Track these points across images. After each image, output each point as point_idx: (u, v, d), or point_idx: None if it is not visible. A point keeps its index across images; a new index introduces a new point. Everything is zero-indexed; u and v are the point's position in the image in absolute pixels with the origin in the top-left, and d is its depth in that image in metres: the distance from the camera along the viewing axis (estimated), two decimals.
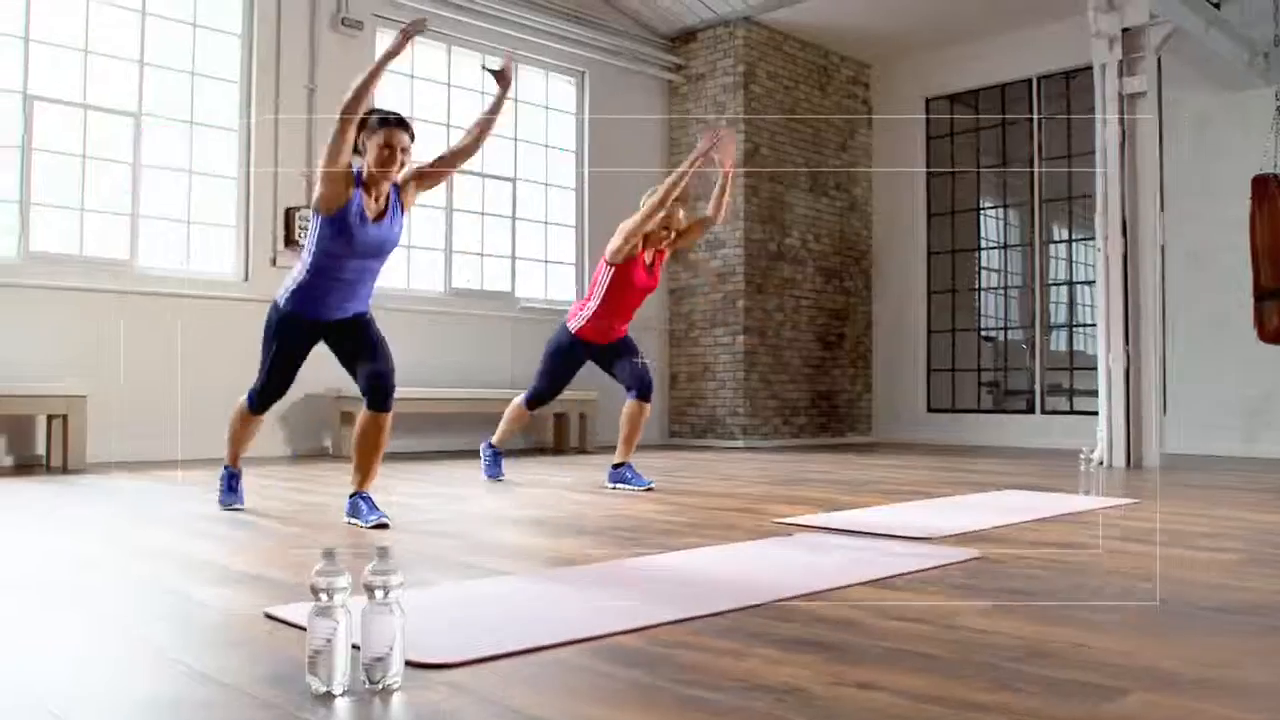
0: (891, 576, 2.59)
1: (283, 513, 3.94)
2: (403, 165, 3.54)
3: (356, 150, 3.53)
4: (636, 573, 2.68)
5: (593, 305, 4.98)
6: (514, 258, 8.67)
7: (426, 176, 3.77)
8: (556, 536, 3.39)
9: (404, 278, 7.98)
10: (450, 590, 2.40)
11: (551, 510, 4.11)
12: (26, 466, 6.01)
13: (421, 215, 8.09)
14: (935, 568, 2.73)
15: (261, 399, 3.83)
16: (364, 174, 3.53)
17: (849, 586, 2.47)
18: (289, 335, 3.69)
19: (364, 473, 3.65)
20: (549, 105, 9.00)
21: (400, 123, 3.53)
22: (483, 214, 8.48)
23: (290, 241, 7.18)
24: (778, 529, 3.49)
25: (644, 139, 9.40)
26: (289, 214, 7.19)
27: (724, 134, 4.94)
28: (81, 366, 6.20)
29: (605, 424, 8.68)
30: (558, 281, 9.03)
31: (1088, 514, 4.02)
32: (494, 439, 5.39)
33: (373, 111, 3.56)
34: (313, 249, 3.58)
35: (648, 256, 5.02)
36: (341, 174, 3.46)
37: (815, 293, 9.72)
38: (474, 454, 7.42)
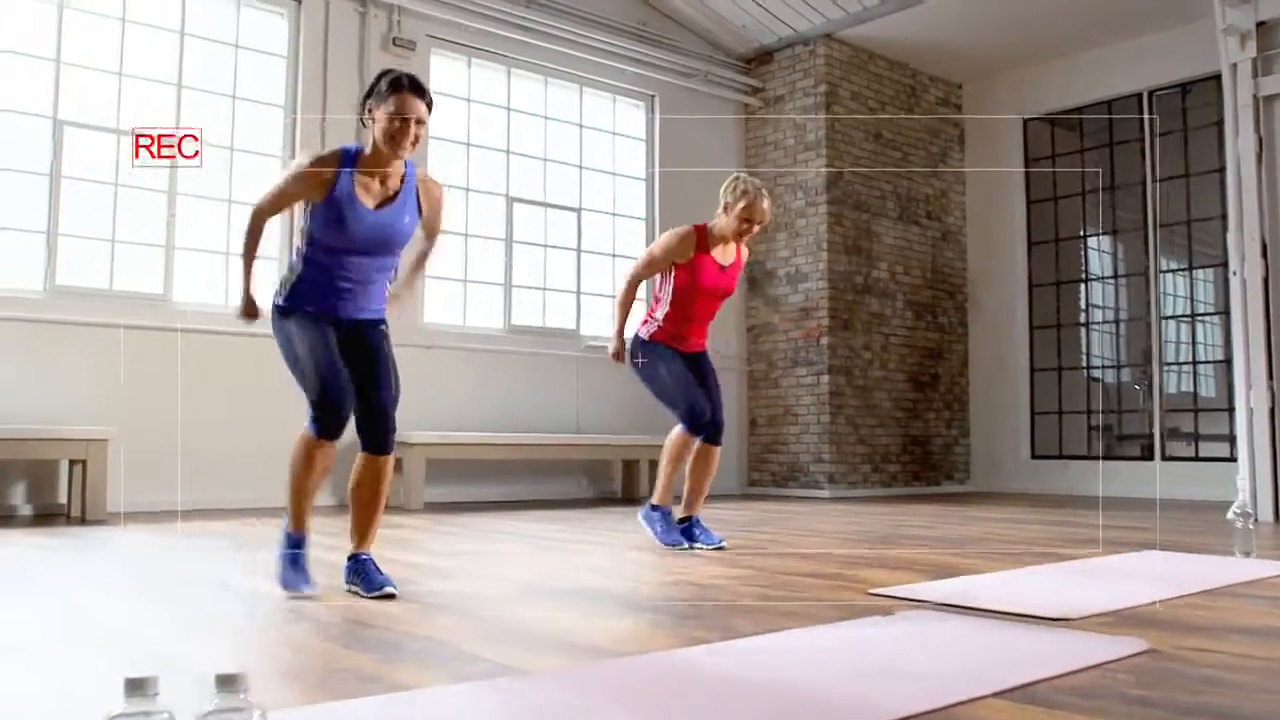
0: (1036, 683, 1.88)
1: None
2: (417, 139, 2.96)
3: (361, 123, 3.00)
4: (685, 674, 2.01)
5: (662, 312, 4.30)
6: (579, 292, 8.09)
7: (432, 219, 3.21)
8: (597, 614, 2.73)
9: (460, 314, 7.45)
10: (406, 708, 1.75)
11: (601, 576, 3.46)
12: (46, 516, 5.55)
13: (479, 247, 7.57)
14: (1093, 667, 2.01)
15: (324, 415, 2.89)
16: (366, 150, 2.97)
17: (980, 700, 1.77)
18: (306, 327, 2.95)
19: (362, 530, 3.04)
20: (616, 131, 8.45)
21: (415, 87, 2.95)
22: (545, 246, 7.93)
23: None
24: (873, 603, 2.79)
25: (718, 165, 8.77)
26: None
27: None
28: (108, 407, 5.74)
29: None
30: (636, 323, 8.39)
31: (1262, 583, 3.23)
32: (655, 497, 4.32)
33: (383, 74, 3.00)
34: (305, 240, 3.00)
35: (721, 253, 4.34)
36: (303, 180, 2.92)
37: (906, 329, 8.96)
38: (530, 505, 6.81)
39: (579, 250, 8.11)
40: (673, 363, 4.25)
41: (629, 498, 7.65)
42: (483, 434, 6.98)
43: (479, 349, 7.38)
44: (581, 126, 8.23)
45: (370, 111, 2.97)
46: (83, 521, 5.25)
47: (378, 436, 3.00)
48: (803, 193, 8.57)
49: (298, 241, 3.05)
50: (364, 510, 3.04)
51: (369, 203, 2.95)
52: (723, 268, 4.31)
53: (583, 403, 7.83)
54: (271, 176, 6.45)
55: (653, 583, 3.24)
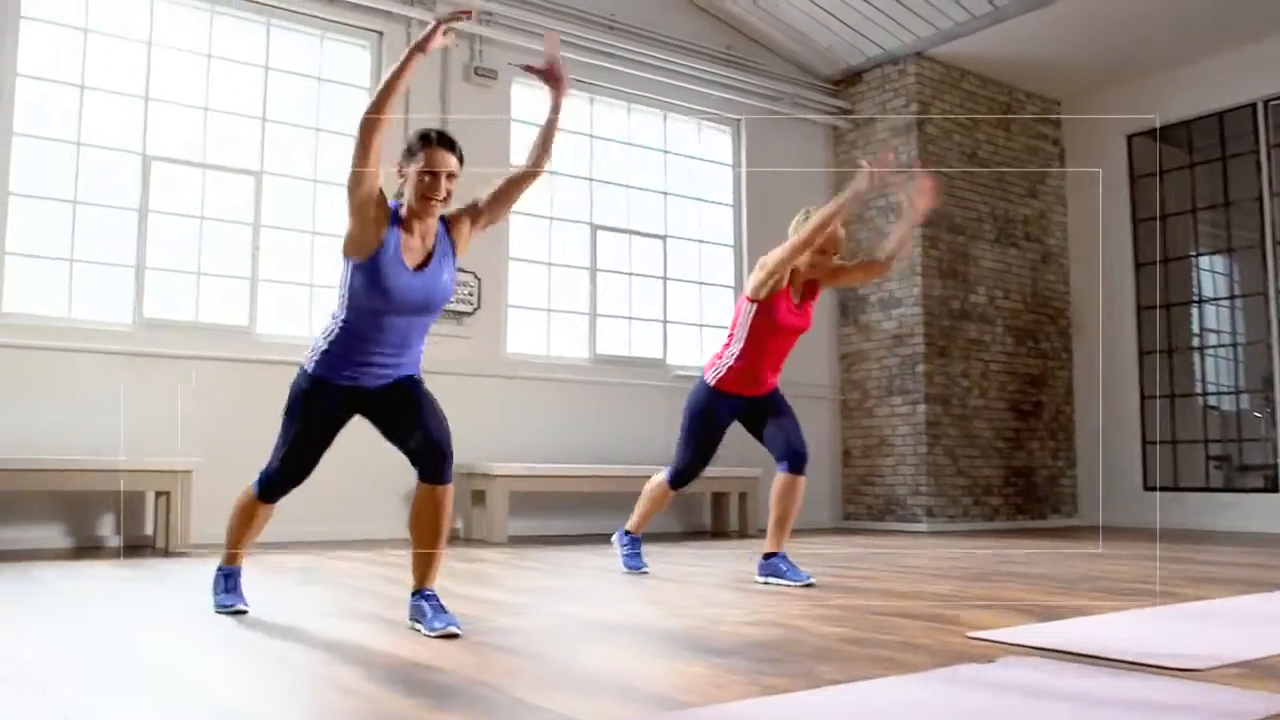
0: None
1: (357, 613, 3.23)
2: (449, 195, 2.86)
3: (395, 193, 2.90)
4: None
5: (734, 350, 4.14)
6: (665, 321, 7.94)
7: (485, 210, 3.06)
8: (667, 657, 2.53)
9: (544, 343, 7.35)
10: None
11: (678, 615, 3.26)
12: (135, 547, 5.55)
13: (563, 275, 7.47)
14: None
15: (274, 485, 3.09)
16: (403, 210, 2.87)
17: None
18: (317, 407, 2.96)
19: (424, 565, 2.90)
20: (701, 157, 8.30)
21: (445, 140, 2.86)
22: (630, 274, 7.80)
23: None
24: (973, 649, 2.54)
25: (807, 190, 8.53)
26: None
27: (924, 183, 4.24)
28: (194, 439, 5.76)
29: (763, 502, 7.79)
30: (714, 346, 8.21)
31: None
32: (630, 524, 4.58)
33: (416, 132, 2.89)
34: (344, 302, 2.91)
35: (796, 291, 4.16)
36: (375, 204, 2.79)
37: (1006, 355, 8.60)
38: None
39: (665, 278, 7.97)
40: (709, 421, 4.23)
41: (719, 531, 7.43)
42: (567, 466, 6.85)
43: (563, 379, 7.27)
44: (666, 153, 8.10)
45: (401, 169, 2.88)
46: (166, 553, 5.24)
47: (436, 466, 2.86)
48: (895, 216, 8.30)
49: (334, 307, 2.96)
50: (424, 544, 2.90)
51: (410, 262, 2.86)
52: (798, 304, 4.14)
53: (670, 434, 7.55)
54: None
55: (731, 623, 3.03)
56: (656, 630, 2.93)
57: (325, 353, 2.93)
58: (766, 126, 8.39)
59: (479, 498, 6.46)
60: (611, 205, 7.76)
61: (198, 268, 6.08)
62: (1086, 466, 8.94)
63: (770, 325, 4.08)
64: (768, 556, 4.08)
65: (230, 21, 6.37)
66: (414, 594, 2.88)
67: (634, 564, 4.50)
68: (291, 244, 6.39)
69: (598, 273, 7.63)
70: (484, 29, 7.07)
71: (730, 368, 4.13)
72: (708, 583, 4.15)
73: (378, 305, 2.84)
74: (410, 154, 2.85)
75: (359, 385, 2.94)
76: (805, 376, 8.27)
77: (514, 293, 7.21)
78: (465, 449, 6.86)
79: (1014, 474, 8.54)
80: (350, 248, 2.82)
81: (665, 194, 8.04)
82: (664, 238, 8.00)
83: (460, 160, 2.88)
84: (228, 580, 3.21)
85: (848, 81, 8.74)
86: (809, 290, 4.21)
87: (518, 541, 6.32)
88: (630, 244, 7.82)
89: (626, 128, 7.91)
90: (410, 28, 6.83)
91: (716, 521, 7.55)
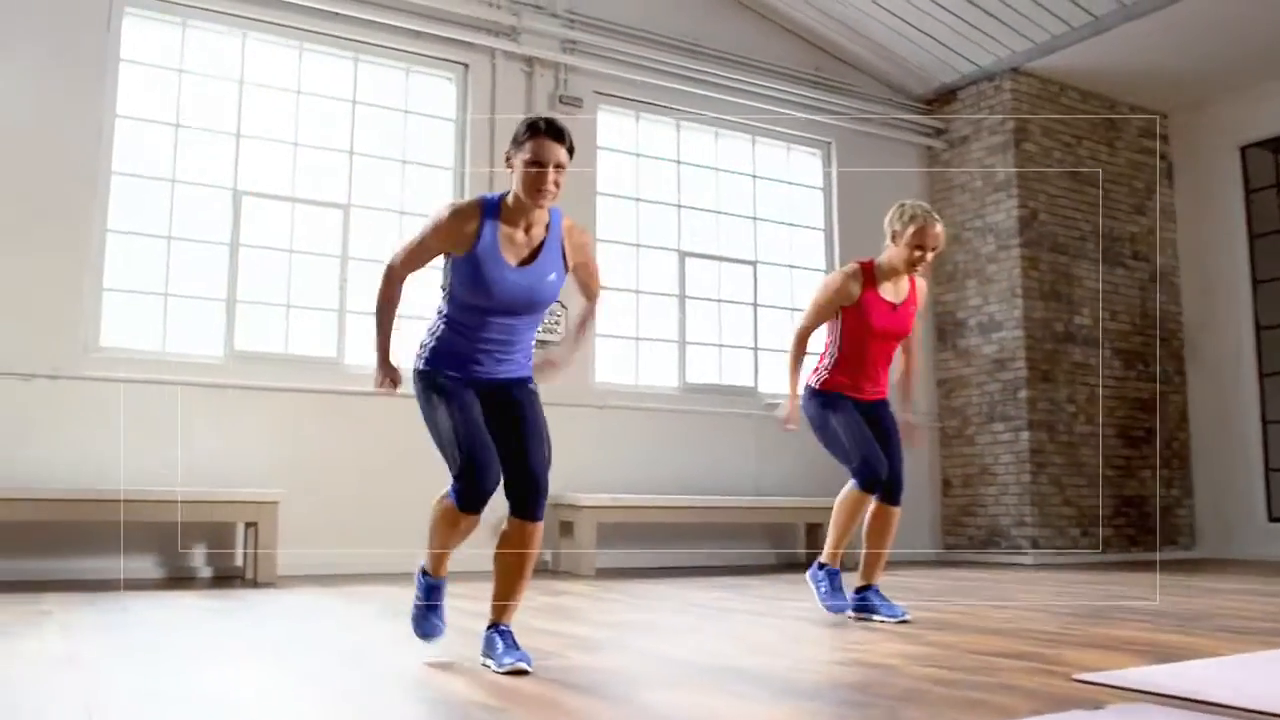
0: None
1: (431, 647, 3.15)
2: (558, 185, 2.75)
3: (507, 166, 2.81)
4: None
5: (831, 359, 3.94)
6: (756, 348, 7.79)
7: (584, 270, 2.97)
8: (745, 697, 2.38)
9: (633, 372, 7.26)
10: None
11: (762, 653, 3.10)
12: (225, 578, 5.60)
13: (651, 303, 7.38)
14: None
15: (467, 488, 2.70)
16: (508, 200, 2.77)
17: None
18: (447, 390, 2.77)
19: (504, 599, 2.80)
20: (791, 180, 8.16)
21: (554, 131, 2.72)
22: (720, 301, 7.67)
23: None
24: (1079, 693, 2.34)
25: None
26: None
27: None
28: (283, 470, 5.79)
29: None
30: (808, 374, 8.03)
31: None
32: (824, 554, 3.97)
33: (525, 120, 2.81)
34: (446, 298, 2.84)
35: (892, 289, 3.95)
36: (443, 234, 2.76)
37: (1114, 380, 8.22)
38: (708, 571, 6.49)
39: (755, 304, 7.82)
40: (845, 412, 3.87)
41: (802, 563, 7.20)
42: (657, 496, 6.72)
43: (652, 408, 7.16)
44: (755, 177, 7.98)
45: (509, 160, 2.79)
46: (254, 584, 5.26)
47: (528, 502, 2.75)
48: (994, 236, 8.03)
49: (439, 301, 2.89)
50: (507, 577, 2.80)
51: (512, 258, 2.75)
52: (894, 306, 3.92)
53: (763, 463, 7.48)
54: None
55: (818, 661, 2.87)
56: (737, 669, 2.79)
57: (433, 350, 2.82)
58: (858, 148, 8.20)
59: (567, 529, 6.37)
60: (700, 231, 7.66)
61: (287, 300, 6.15)
62: (1205, 496, 8.48)
63: (864, 329, 3.86)
64: (860, 590, 3.89)
65: (318, 58, 6.47)
66: (490, 627, 2.78)
67: (836, 602, 3.85)
68: (379, 276, 6.41)
69: (686, 300, 7.52)
70: (568, 57, 7.05)
71: (831, 374, 3.93)
72: (798, 618, 3.97)
73: (478, 301, 2.74)
74: (517, 144, 2.74)
75: (475, 378, 2.81)
76: (890, 362, 8.03)
77: (602, 321, 7.14)
78: (553, 480, 6.75)
79: (1125, 504, 8.14)
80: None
81: (755, 219, 7.91)
82: (754, 263, 7.86)
83: (570, 151, 2.75)
84: (431, 590, 2.95)
85: (941, 100, 8.51)
86: (913, 289, 4.00)
87: (605, 574, 6.21)
88: (719, 270, 7.70)
89: (714, 152, 7.82)
90: (494, 59, 6.85)
91: (811, 553, 7.31)
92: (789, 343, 4.06)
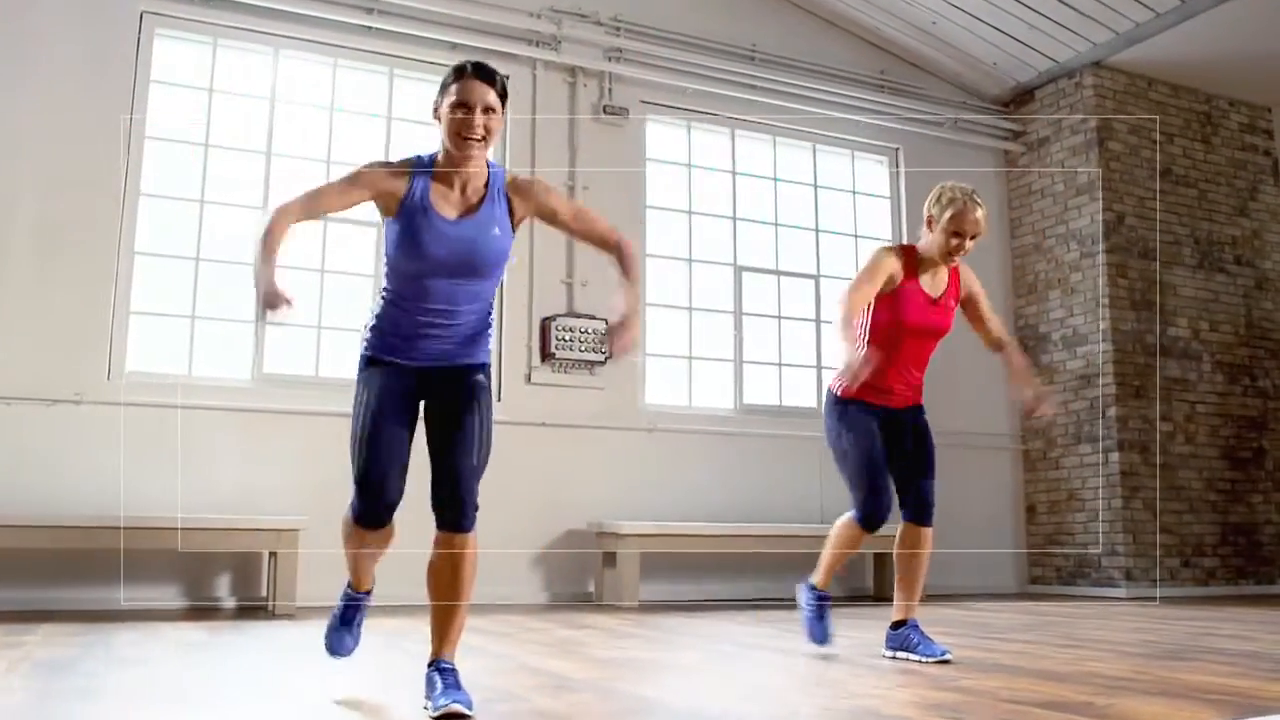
0: None
1: (402, 682, 2.82)
2: (488, 131, 2.44)
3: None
4: None
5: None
6: (819, 367, 7.33)
7: (556, 217, 2.64)
8: None
9: (685, 393, 6.88)
10: None
11: (756, 699, 2.69)
12: (249, 609, 5.37)
13: (705, 320, 7.01)
14: None
15: (359, 497, 2.50)
16: (436, 161, 2.50)
17: None
18: (370, 383, 2.51)
19: (439, 630, 2.46)
20: (856, 190, 7.71)
21: (482, 71, 2.44)
22: (779, 317, 7.25)
23: (547, 355, 6.32)
24: None
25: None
26: (545, 325, 6.35)
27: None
28: (310, 496, 5.55)
29: (936, 564, 7.00)
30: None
31: None
32: (816, 576, 3.69)
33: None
34: (385, 274, 2.58)
35: (930, 281, 3.51)
36: (356, 185, 2.47)
37: (1217, 396, 7.54)
38: (764, 605, 6.04)
39: (818, 320, 7.38)
40: (860, 433, 3.45)
41: (881, 595, 6.70)
42: (704, 524, 6.30)
43: (707, 431, 6.76)
44: (816, 187, 7.56)
45: (436, 110, 2.50)
46: (272, 615, 5.02)
47: (451, 511, 2.44)
48: (1076, 243, 7.46)
49: (382, 281, 2.61)
50: (440, 606, 2.46)
51: (449, 213, 2.47)
52: (933, 299, 3.48)
53: (827, 488, 6.98)
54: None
55: (820, 709, 2.45)
56: (722, 716, 2.38)
57: (373, 329, 2.57)
58: (928, 154, 7.72)
59: (609, 559, 6.01)
60: (757, 244, 7.27)
61: (318, 321, 5.95)
62: None
63: (896, 324, 3.44)
64: (896, 626, 3.45)
65: (352, 73, 6.30)
66: (429, 664, 2.44)
67: (819, 632, 3.58)
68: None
69: (743, 316, 7.12)
70: (613, 66, 6.76)
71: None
72: (823, 657, 3.53)
73: (413, 265, 2.47)
74: (444, 90, 2.47)
75: (415, 363, 2.52)
76: (981, 425, 7.50)
77: (652, 340, 6.79)
78: (598, 507, 6.53)
79: (1232, 531, 7.43)
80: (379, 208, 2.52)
81: (816, 230, 7.49)
82: (816, 277, 7.42)
83: (502, 96, 2.47)
84: (348, 610, 2.87)
85: (1018, 100, 7.98)
86: (953, 280, 3.56)
87: (649, 607, 5.82)
88: (779, 285, 7.29)
89: (771, 162, 7.43)
90: (535, 69, 6.60)
91: (879, 585, 6.81)
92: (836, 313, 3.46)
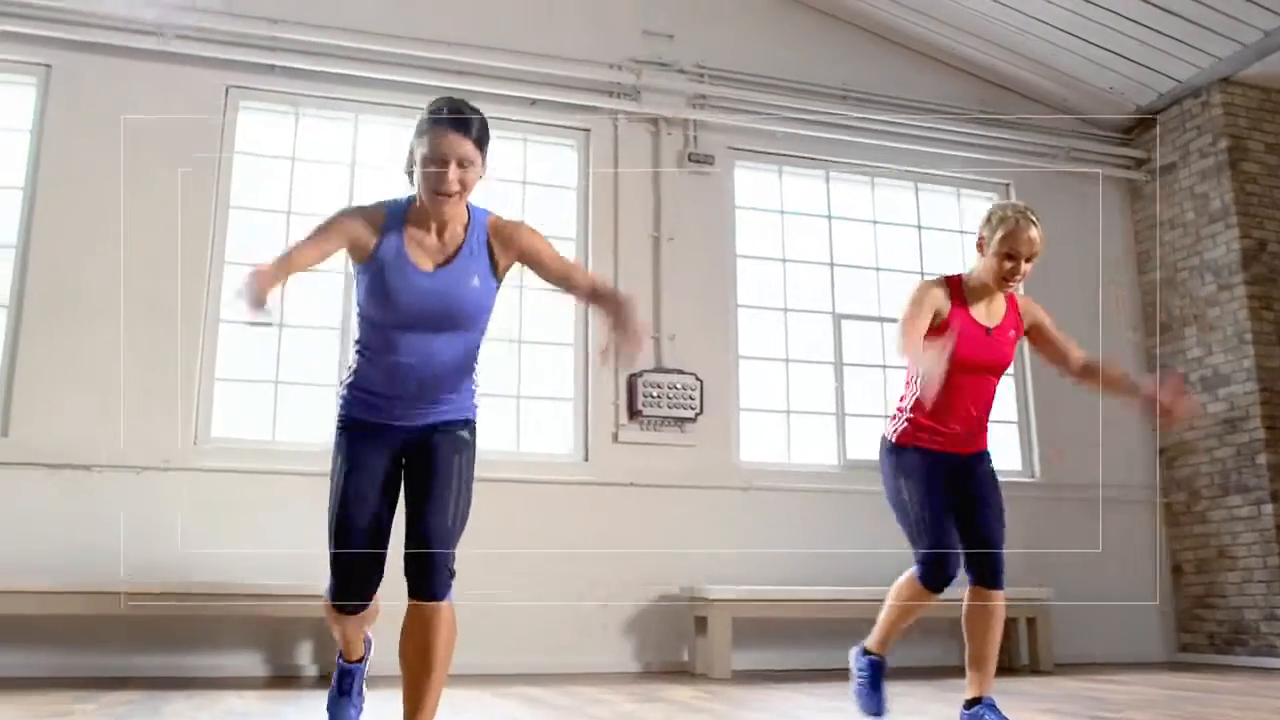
0: None
1: None
2: (464, 187, 2.28)
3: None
4: None
5: (912, 399, 3.20)
6: None
7: (535, 263, 2.46)
8: None
9: (784, 449, 6.55)
10: None
11: None
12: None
13: (803, 372, 6.67)
14: None
15: (331, 573, 2.39)
16: (413, 206, 2.37)
17: None
18: (344, 447, 2.40)
19: (412, 703, 2.26)
20: (963, 229, 7.28)
21: (456, 121, 2.29)
22: (884, 366, 6.86)
23: (634, 413, 6.10)
24: None
25: (1092, 255, 7.26)
26: (632, 381, 6.14)
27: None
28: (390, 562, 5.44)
29: (1071, 631, 6.43)
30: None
31: None
32: (870, 640, 3.43)
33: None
34: (358, 327, 2.47)
35: (984, 311, 3.16)
36: (333, 232, 2.31)
37: None
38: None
39: None
40: (919, 481, 3.11)
41: (1004, 666, 6.14)
42: (815, 588, 5.91)
43: (807, 489, 6.39)
44: (920, 228, 7.18)
45: (413, 153, 2.35)
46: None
47: (420, 577, 2.25)
48: (1212, 275, 6.85)
49: (355, 335, 2.46)
50: (411, 675, 2.26)
51: (423, 263, 2.30)
52: (988, 330, 3.12)
53: None
54: (564, 311, 6.12)
55: None
56: None
57: (348, 387, 2.46)
58: (1041, 188, 7.23)
59: (701, 625, 5.69)
60: (856, 290, 6.92)
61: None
62: None
63: (950, 358, 3.08)
64: (969, 705, 3.06)
65: None
66: None
67: (871, 702, 3.38)
68: (500, 353, 6.07)
69: (844, 367, 6.76)
70: (698, 113, 6.59)
71: (909, 420, 3.19)
72: None
73: (387, 316, 2.33)
74: (418, 134, 2.34)
75: (393, 423, 2.38)
76: (1116, 476, 6.92)
77: (746, 394, 6.49)
78: (690, 571, 6.20)
79: None
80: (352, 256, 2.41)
81: (922, 273, 7.08)
82: None
83: (480, 143, 2.32)
84: (342, 678, 2.84)
85: (1139, 126, 7.44)
86: (1012, 310, 3.19)
87: (743, 676, 5.46)
88: (882, 333, 6.90)
89: (870, 203, 7.10)
90: (617, 121, 6.47)
91: (1001, 653, 6.25)
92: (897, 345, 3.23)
